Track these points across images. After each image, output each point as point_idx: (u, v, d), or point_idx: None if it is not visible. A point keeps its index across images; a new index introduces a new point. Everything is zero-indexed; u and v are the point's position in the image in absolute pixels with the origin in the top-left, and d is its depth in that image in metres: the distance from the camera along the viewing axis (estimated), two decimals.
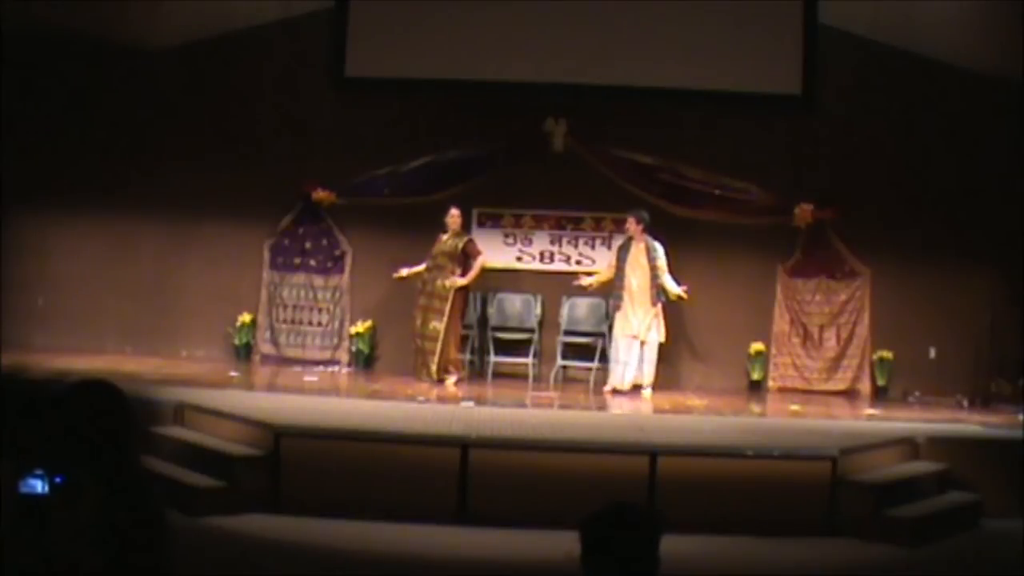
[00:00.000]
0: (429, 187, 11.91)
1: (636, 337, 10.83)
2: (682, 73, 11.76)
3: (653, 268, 10.84)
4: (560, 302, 11.83)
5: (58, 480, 3.00)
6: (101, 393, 3.16)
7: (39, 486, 2.99)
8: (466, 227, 11.35)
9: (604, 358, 11.57)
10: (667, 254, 10.92)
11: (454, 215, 11.01)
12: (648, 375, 10.88)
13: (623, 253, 11.02)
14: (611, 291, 11.08)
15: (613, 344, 11.08)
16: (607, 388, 10.93)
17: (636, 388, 10.83)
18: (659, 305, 10.91)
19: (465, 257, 10.95)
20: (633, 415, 10.02)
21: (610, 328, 11.28)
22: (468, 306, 11.35)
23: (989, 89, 11.53)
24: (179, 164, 12.16)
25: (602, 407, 10.33)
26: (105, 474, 3.04)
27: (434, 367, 10.76)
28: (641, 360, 10.85)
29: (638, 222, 10.97)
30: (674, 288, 10.85)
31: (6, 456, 3.12)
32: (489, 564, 6.71)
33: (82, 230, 12.35)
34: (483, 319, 11.95)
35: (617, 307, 11.00)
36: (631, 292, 10.89)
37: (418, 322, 10.93)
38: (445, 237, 11.01)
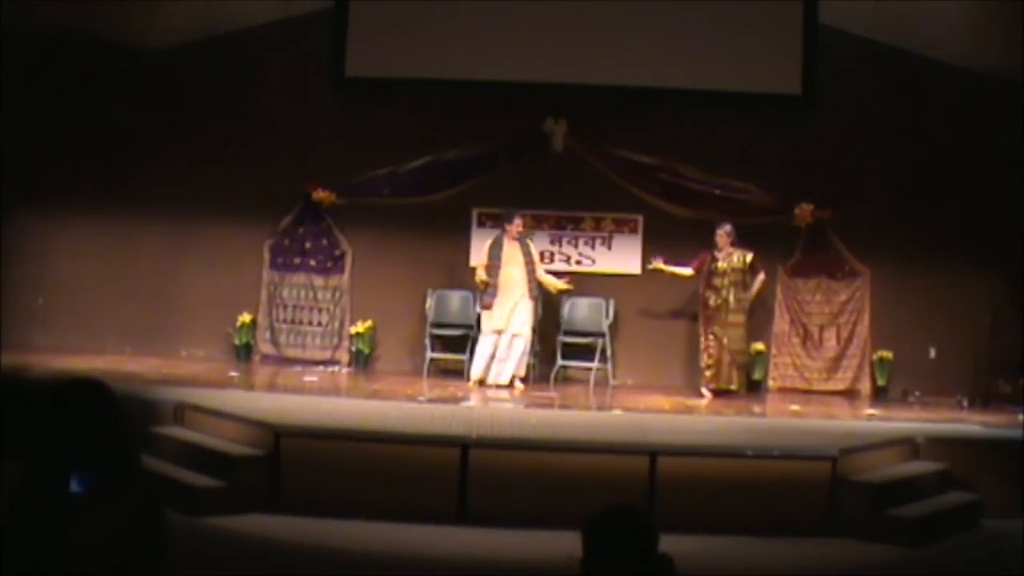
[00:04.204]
0: (429, 187, 11.93)
1: (501, 331, 10.76)
2: (682, 73, 11.77)
3: (531, 264, 10.88)
4: (560, 302, 11.82)
5: (93, 480, 2.98)
6: (89, 392, 3.13)
7: (77, 485, 2.97)
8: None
9: (604, 358, 11.62)
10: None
11: (727, 232, 10.92)
12: (521, 367, 10.88)
13: (496, 250, 10.91)
14: (484, 289, 10.95)
15: (481, 339, 10.96)
16: (470, 382, 10.89)
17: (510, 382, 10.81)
18: (536, 300, 10.96)
19: (752, 271, 11.01)
20: (633, 415, 10.00)
21: (478, 322, 11.22)
22: None
23: (989, 89, 11.53)
24: (179, 164, 12.17)
25: (603, 407, 10.32)
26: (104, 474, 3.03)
27: (742, 376, 10.98)
28: (515, 353, 10.79)
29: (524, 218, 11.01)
30: (556, 282, 11.04)
31: (6, 456, 3.11)
32: (489, 564, 6.70)
33: (82, 230, 12.35)
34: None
35: (488, 305, 10.88)
36: (505, 288, 10.81)
37: (724, 340, 10.84)
38: (723, 255, 10.92)
